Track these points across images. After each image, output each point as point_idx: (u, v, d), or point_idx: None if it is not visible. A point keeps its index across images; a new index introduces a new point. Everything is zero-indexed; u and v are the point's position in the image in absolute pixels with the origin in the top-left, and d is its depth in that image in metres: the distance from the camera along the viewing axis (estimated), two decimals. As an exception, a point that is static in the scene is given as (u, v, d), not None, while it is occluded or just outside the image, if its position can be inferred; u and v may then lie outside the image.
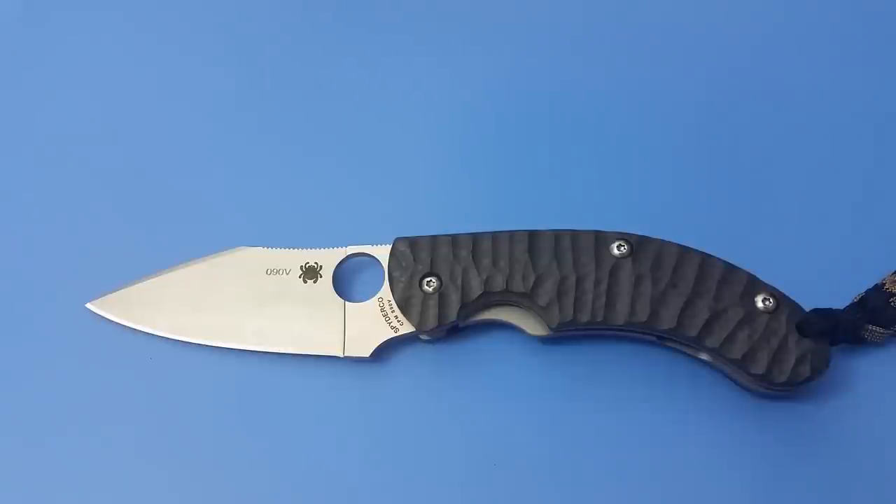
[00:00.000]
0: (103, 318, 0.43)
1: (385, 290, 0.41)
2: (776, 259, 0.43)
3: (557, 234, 0.41)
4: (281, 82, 0.50)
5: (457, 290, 0.41)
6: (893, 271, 0.41)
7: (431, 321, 0.40)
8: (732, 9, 0.52)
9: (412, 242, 0.42)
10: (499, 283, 0.40)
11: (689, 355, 0.41)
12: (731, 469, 0.40)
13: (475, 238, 0.41)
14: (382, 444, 0.41)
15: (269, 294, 0.42)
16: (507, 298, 0.41)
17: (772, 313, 0.39)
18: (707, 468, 0.40)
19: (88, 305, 0.43)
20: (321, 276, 0.43)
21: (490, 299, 0.41)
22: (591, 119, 0.49)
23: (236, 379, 0.42)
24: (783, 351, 0.39)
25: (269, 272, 0.43)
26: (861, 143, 0.47)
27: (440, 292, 0.41)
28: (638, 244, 0.40)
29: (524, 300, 0.40)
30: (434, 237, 0.42)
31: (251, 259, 0.43)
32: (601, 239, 0.41)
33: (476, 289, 0.40)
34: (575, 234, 0.41)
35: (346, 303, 0.42)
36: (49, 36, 0.53)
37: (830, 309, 0.40)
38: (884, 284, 0.41)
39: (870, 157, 0.47)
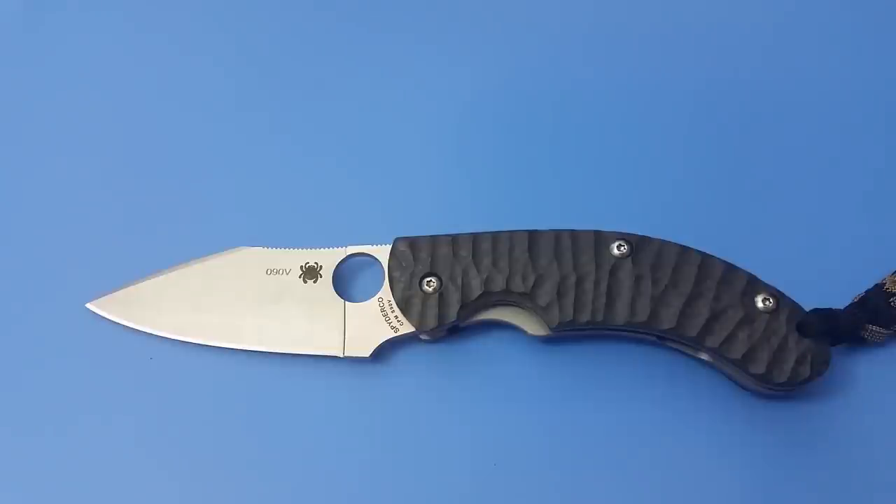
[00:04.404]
0: (103, 318, 0.43)
1: (385, 290, 0.41)
2: (776, 259, 0.43)
3: (557, 234, 0.41)
4: (281, 82, 0.50)
5: (457, 290, 0.41)
6: (893, 271, 0.41)
7: (431, 321, 0.40)
8: (733, 10, 0.52)
9: (412, 242, 0.42)
10: (499, 283, 0.40)
11: (689, 355, 0.41)
12: (731, 469, 0.40)
13: (475, 238, 0.41)
14: (382, 444, 0.41)
15: (269, 294, 0.42)
16: (507, 298, 0.41)
17: (772, 313, 0.39)
18: (707, 468, 0.40)
19: (88, 305, 0.43)
20: (321, 276, 0.43)
21: (490, 299, 0.41)
22: (591, 119, 0.49)
23: (236, 379, 0.42)
24: (783, 351, 0.39)
25: (269, 272, 0.43)
26: (861, 143, 0.47)
27: (440, 292, 0.41)
28: (638, 244, 0.41)
29: (524, 300, 0.40)
30: (434, 237, 0.42)
31: (251, 259, 0.43)
32: (601, 239, 0.41)
33: (476, 289, 0.40)
34: (575, 234, 0.41)
35: (346, 303, 0.42)
36: (49, 36, 0.53)
37: (830, 309, 0.40)
38: (884, 284, 0.41)
39: (870, 157, 0.47)
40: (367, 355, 0.41)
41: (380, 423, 0.41)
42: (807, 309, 0.40)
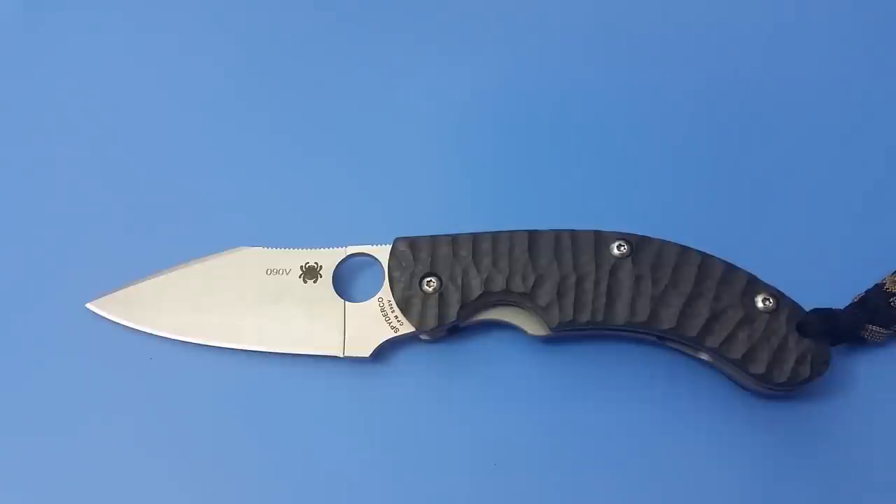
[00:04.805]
0: (103, 318, 0.43)
1: (385, 290, 0.41)
2: (776, 259, 0.43)
3: (557, 234, 0.41)
4: (281, 82, 0.50)
5: (457, 290, 0.41)
6: (893, 271, 0.41)
7: (431, 321, 0.40)
8: (733, 10, 0.52)
9: (412, 242, 0.42)
10: (499, 283, 0.40)
11: (689, 355, 0.41)
12: (732, 469, 0.40)
13: (475, 238, 0.41)
14: (382, 444, 0.41)
15: (269, 294, 0.42)
16: (507, 298, 0.41)
17: (772, 313, 0.39)
18: (707, 468, 0.40)
19: (88, 305, 0.43)
20: (321, 276, 0.43)
21: (490, 299, 0.41)
22: (591, 119, 0.49)
23: (236, 379, 0.42)
24: (783, 351, 0.39)
25: (269, 272, 0.43)
26: (861, 144, 0.47)
27: (440, 292, 0.41)
28: (638, 244, 0.41)
29: (524, 300, 0.40)
30: (434, 237, 0.42)
31: (251, 259, 0.43)
32: (601, 239, 0.41)
33: (476, 289, 0.40)
34: (575, 234, 0.41)
35: (346, 303, 0.42)
36: (49, 36, 0.53)
37: (830, 309, 0.40)
38: (884, 284, 0.41)
39: (870, 157, 0.47)
40: (367, 355, 0.41)
41: (380, 423, 0.41)
42: (807, 309, 0.40)
